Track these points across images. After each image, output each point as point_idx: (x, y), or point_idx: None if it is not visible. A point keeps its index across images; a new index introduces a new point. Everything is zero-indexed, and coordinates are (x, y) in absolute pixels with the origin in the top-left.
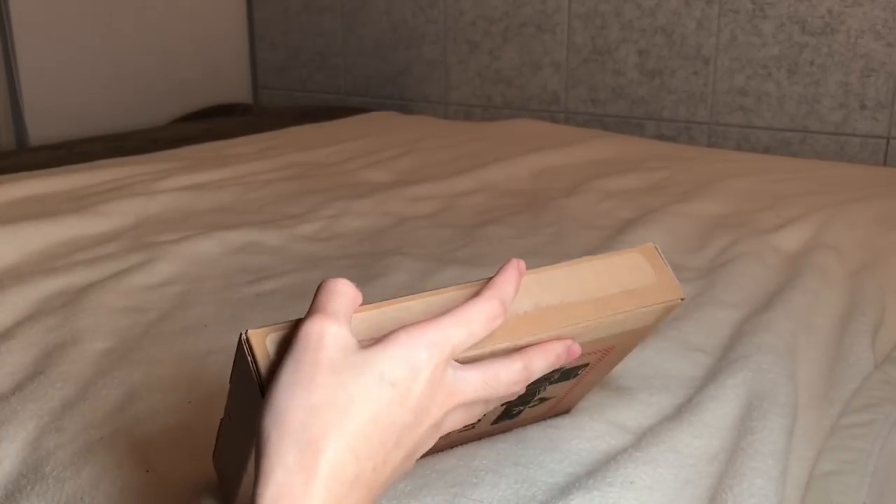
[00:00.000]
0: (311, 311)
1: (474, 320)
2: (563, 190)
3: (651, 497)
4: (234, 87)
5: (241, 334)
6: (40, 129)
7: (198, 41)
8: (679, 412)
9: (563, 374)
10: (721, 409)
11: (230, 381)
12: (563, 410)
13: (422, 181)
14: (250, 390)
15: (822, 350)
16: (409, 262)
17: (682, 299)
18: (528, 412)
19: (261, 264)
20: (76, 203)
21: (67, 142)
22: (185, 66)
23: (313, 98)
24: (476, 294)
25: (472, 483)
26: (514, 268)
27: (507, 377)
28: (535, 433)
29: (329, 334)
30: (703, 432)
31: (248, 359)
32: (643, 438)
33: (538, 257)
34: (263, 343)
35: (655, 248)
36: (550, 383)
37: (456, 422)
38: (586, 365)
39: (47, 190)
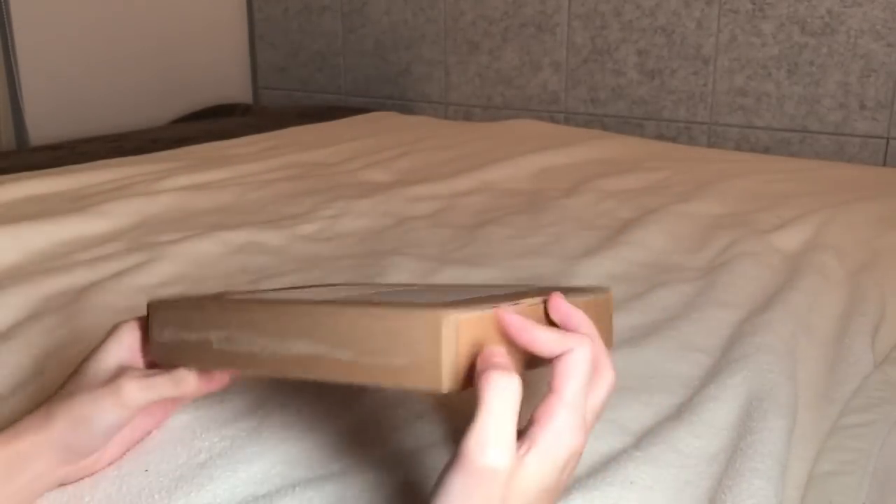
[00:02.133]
0: (482, 437)
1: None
2: (563, 190)
3: (651, 497)
4: (235, 87)
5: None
6: (40, 129)
7: (198, 41)
8: (679, 412)
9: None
10: (721, 409)
11: None
12: None
13: (422, 181)
14: None
15: (822, 350)
16: (409, 262)
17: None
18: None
19: (261, 264)
20: (76, 203)
21: (68, 142)
22: (185, 66)
23: (313, 98)
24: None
25: None
26: (560, 301)
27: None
28: None
29: (502, 469)
30: (704, 432)
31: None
32: (643, 438)
33: (538, 257)
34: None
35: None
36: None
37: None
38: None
39: (47, 190)
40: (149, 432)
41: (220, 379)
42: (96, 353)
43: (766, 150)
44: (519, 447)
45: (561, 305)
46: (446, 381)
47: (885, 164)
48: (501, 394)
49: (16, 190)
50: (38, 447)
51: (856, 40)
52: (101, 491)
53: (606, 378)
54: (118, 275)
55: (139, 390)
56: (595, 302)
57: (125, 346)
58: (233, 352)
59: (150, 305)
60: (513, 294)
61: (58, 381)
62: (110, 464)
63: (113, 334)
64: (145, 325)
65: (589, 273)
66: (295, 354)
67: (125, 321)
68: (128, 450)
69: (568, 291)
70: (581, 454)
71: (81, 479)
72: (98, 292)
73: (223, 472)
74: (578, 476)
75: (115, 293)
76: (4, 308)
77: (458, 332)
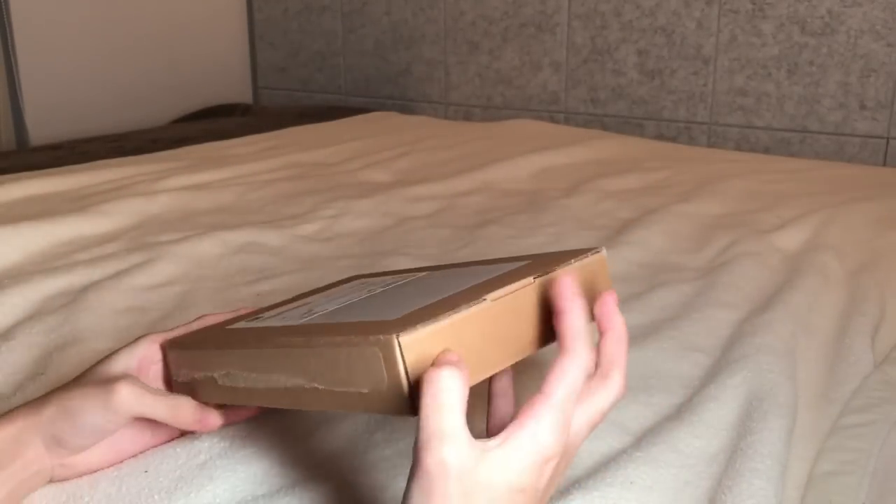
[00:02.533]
0: (425, 436)
1: (577, 380)
2: (563, 190)
3: (651, 497)
4: (235, 87)
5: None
6: (41, 129)
7: (198, 41)
8: (679, 412)
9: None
10: (721, 409)
11: None
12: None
13: (422, 181)
14: None
15: (822, 350)
16: (409, 263)
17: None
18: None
19: (261, 264)
20: (76, 203)
21: (68, 142)
22: (185, 66)
23: (313, 98)
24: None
25: None
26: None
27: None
28: None
29: (451, 463)
30: (703, 432)
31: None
32: (643, 438)
33: None
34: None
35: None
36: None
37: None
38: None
39: (48, 190)
40: (147, 447)
41: (214, 422)
42: (108, 356)
43: (766, 150)
44: (492, 440)
45: (563, 288)
46: (414, 405)
47: (885, 164)
48: (439, 389)
49: (16, 190)
50: (28, 432)
51: (856, 40)
52: (101, 491)
53: (613, 386)
54: (118, 275)
55: (131, 397)
56: (584, 266)
57: (136, 357)
58: (234, 387)
59: (164, 348)
60: (503, 277)
61: (57, 382)
62: (102, 469)
63: (130, 343)
64: (166, 346)
65: None
66: (283, 387)
67: (149, 334)
68: (122, 460)
69: (556, 257)
70: (564, 461)
71: (72, 477)
72: (98, 292)
73: (223, 472)
74: (578, 476)
75: (115, 293)
76: (4, 308)
77: (407, 354)
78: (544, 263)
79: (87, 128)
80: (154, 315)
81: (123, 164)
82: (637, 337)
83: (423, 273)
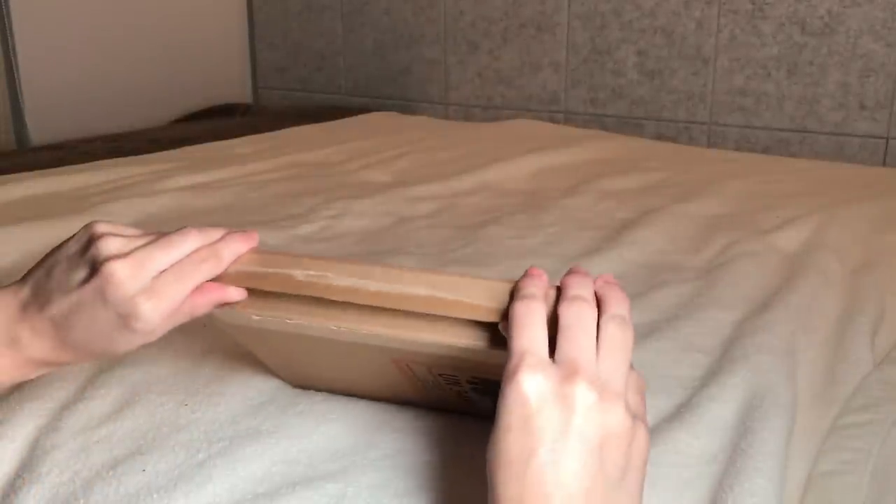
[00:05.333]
0: (515, 358)
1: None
2: (563, 190)
3: (651, 497)
4: (235, 87)
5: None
6: (41, 129)
7: (198, 41)
8: (678, 412)
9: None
10: (720, 409)
11: None
12: None
13: (422, 181)
14: None
15: (822, 350)
16: (409, 262)
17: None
18: None
19: None
20: (77, 203)
21: (68, 142)
22: (185, 66)
23: (314, 98)
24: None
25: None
26: None
27: None
28: None
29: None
30: (703, 432)
31: None
32: None
33: (538, 257)
34: None
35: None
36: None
37: None
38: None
39: (48, 190)
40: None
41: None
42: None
43: (766, 151)
44: None
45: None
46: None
47: (884, 164)
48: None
49: (16, 190)
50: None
51: (855, 40)
52: (97, 492)
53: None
54: None
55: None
56: None
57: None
58: (313, 283)
59: None
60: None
61: (57, 381)
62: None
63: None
64: None
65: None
66: (373, 291)
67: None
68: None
69: None
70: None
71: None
72: None
73: (222, 472)
74: None
75: None
76: None
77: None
78: None
79: (87, 128)
80: None
81: (123, 165)
82: (636, 337)
83: None
